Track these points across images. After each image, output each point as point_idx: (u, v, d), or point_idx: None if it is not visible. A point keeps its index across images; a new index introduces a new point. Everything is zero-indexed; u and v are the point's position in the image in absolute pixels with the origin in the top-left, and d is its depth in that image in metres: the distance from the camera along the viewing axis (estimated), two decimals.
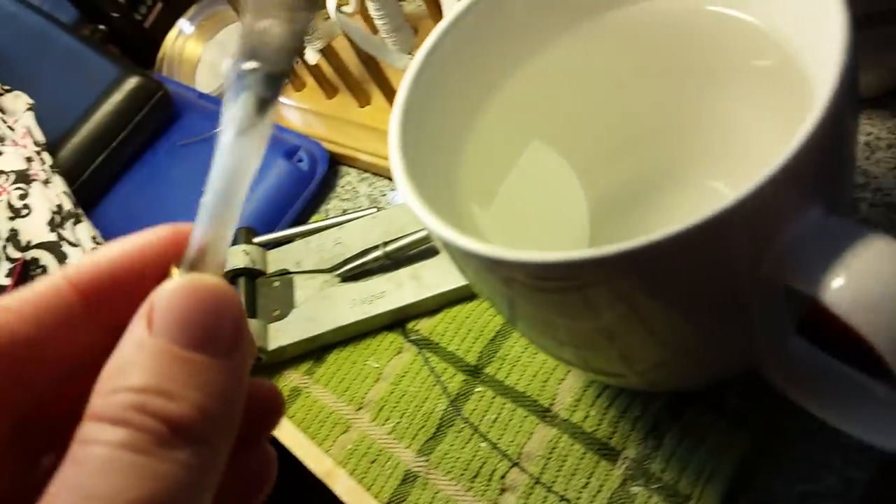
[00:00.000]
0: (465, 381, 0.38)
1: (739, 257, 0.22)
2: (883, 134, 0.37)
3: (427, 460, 0.36)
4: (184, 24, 0.66)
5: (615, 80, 0.34)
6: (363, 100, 0.54)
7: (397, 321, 0.42)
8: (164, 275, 0.17)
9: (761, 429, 0.31)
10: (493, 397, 0.37)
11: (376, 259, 0.43)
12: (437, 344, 0.40)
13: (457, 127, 0.31)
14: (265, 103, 0.18)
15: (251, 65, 0.19)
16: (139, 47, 0.69)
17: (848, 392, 0.27)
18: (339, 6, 0.44)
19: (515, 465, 0.34)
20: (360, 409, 0.40)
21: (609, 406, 0.34)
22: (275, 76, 0.19)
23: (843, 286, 0.21)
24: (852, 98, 0.22)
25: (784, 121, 0.28)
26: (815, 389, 0.28)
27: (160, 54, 0.65)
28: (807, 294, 0.21)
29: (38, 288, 0.17)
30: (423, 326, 0.42)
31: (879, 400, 0.26)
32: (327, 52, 0.51)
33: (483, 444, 0.36)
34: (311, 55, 0.50)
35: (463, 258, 0.24)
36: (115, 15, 0.68)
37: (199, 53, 0.64)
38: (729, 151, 0.32)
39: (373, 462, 0.38)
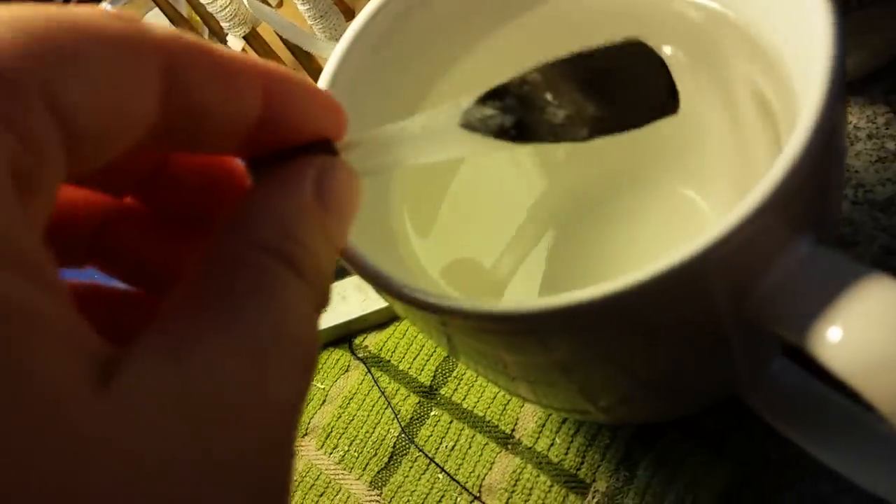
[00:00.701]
0: (418, 403, 0.35)
1: (718, 299, 0.19)
2: (862, 123, 0.34)
3: (380, 493, 0.33)
4: (106, 7, 0.61)
5: None
6: None
7: (343, 336, 0.39)
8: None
9: (742, 456, 0.29)
10: (450, 422, 0.34)
11: None
12: (388, 361, 0.37)
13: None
14: (500, 131, 0.19)
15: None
16: None
17: (840, 425, 0.24)
18: None
19: (476, 499, 0.31)
20: (305, 435, 0.37)
21: (576, 433, 0.31)
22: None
23: (840, 341, 0.17)
24: (841, 109, 0.19)
25: (760, 125, 0.25)
26: (803, 420, 0.25)
27: None
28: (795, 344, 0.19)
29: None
30: (372, 342, 0.38)
31: (879, 437, 0.23)
32: (251, 38, 0.47)
33: (441, 476, 0.33)
34: (235, 41, 0.46)
35: (387, 295, 0.21)
36: None
37: None
38: (698, 155, 0.29)
39: (321, 495, 0.34)
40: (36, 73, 0.12)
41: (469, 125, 0.19)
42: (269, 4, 0.43)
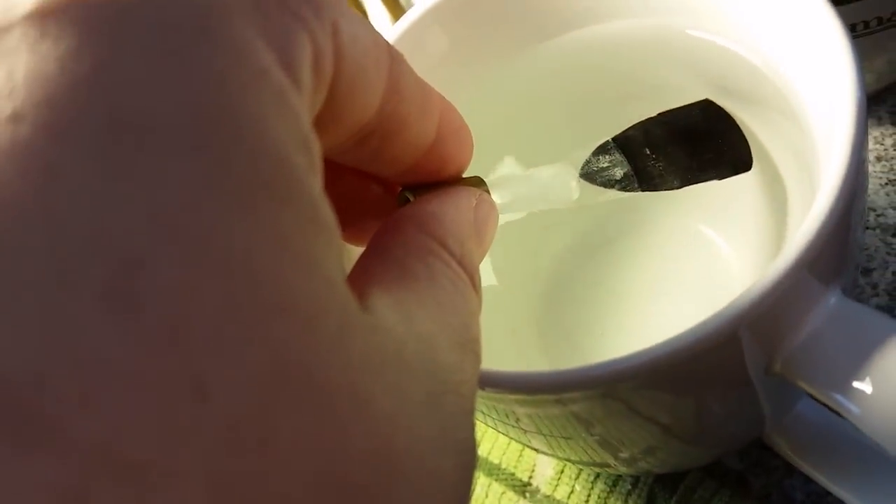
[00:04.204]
0: None
1: (749, 358, 0.19)
2: (871, 145, 0.34)
3: None
4: None
5: (583, 103, 0.30)
6: None
7: None
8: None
9: (766, 496, 0.28)
10: None
11: None
12: None
13: None
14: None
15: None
16: None
17: (864, 464, 0.24)
18: None
19: None
20: None
21: (596, 478, 0.30)
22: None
23: (869, 400, 0.17)
24: (864, 162, 0.19)
25: (781, 166, 0.25)
26: (827, 459, 0.25)
27: None
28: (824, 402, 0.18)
29: None
30: None
31: None
32: None
33: None
34: None
35: None
36: None
37: None
38: (717, 194, 0.28)
39: None
40: (328, 5, 0.12)
41: (587, 176, 0.22)
42: None
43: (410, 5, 0.50)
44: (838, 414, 0.18)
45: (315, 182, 0.11)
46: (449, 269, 0.15)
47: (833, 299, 0.19)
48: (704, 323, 0.17)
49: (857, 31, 0.28)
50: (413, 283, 0.14)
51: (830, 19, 0.20)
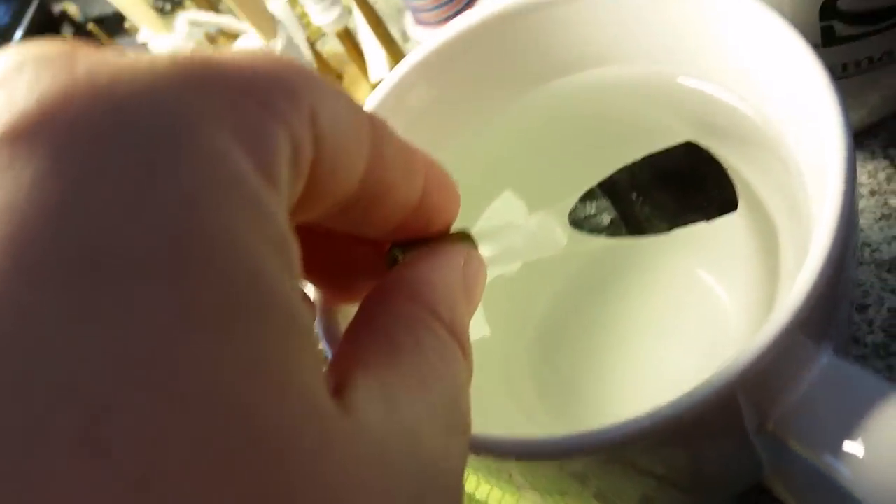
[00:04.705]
0: None
1: (743, 419, 0.19)
2: (864, 179, 0.34)
3: None
4: None
5: (571, 148, 0.29)
6: None
7: None
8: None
9: None
10: None
11: None
12: None
13: None
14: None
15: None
16: None
17: None
18: None
19: None
20: None
21: None
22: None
23: (861, 462, 0.17)
24: (855, 218, 0.19)
25: (778, 216, 0.25)
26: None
27: None
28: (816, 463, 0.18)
29: None
30: None
31: None
32: None
33: None
34: None
35: None
36: None
37: None
38: (718, 239, 0.28)
39: None
40: (307, 93, 0.12)
41: (575, 223, 0.22)
42: None
43: (409, 48, 0.50)
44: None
45: (291, 285, 0.11)
46: (438, 340, 0.15)
47: (825, 359, 0.19)
48: (699, 388, 0.17)
49: (849, 70, 0.28)
50: (400, 361, 0.14)
51: (817, 68, 0.20)
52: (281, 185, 0.11)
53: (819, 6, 0.25)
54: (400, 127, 0.25)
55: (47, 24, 0.67)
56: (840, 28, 0.26)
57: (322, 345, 0.21)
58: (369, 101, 0.25)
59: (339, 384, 0.12)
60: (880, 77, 0.29)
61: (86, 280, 0.09)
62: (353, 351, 0.14)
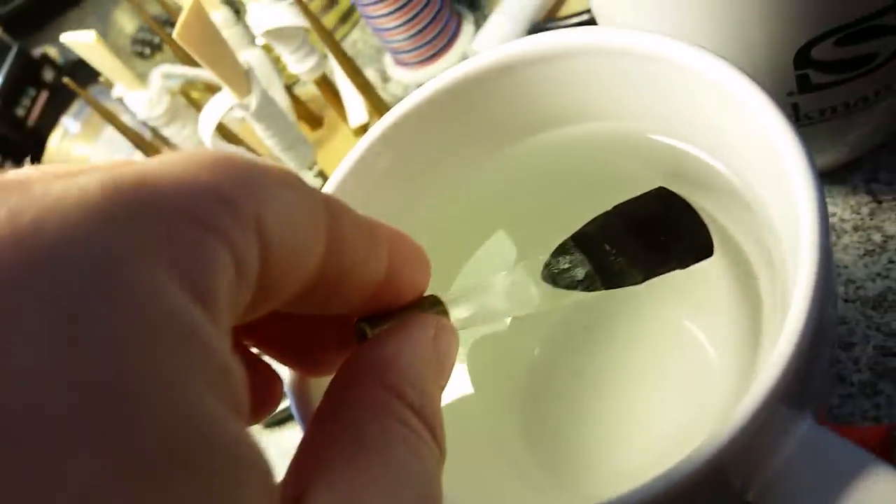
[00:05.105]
0: None
1: (720, 497, 0.19)
2: (847, 214, 0.33)
3: None
4: (68, 123, 0.59)
5: (544, 204, 0.29)
6: None
7: None
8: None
9: None
10: None
11: None
12: None
13: None
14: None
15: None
16: (24, 149, 0.62)
17: None
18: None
19: None
20: None
21: None
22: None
23: None
24: (830, 280, 0.19)
25: (760, 270, 0.24)
26: None
27: (44, 159, 0.59)
28: None
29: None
30: None
31: None
32: None
33: None
34: None
35: None
36: None
37: (89, 156, 0.58)
38: (704, 291, 0.28)
39: None
40: (250, 199, 0.12)
41: (549, 278, 0.21)
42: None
43: (390, 89, 0.50)
44: None
45: (233, 423, 0.10)
46: (407, 430, 0.15)
47: (805, 427, 0.18)
48: (678, 466, 0.17)
49: (826, 115, 0.28)
50: (366, 461, 0.14)
51: (786, 129, 0.20)
52: (222, 309, 0.11)
53: (793, 55, 0.25)
54: (368, 192, 0.25)
55: (28, 68, 0.66)
56: (815, 76, 0.26)
57: (296, 420, 0.21)
58: (334, 175, 0.25)
59: (300, 496, 0.12)
60: (859, 119, 0.29)
61: (6, 451, 0.08)
62: (316, 449, 0.14)
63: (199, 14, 0.33)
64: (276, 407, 0.18)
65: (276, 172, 0.13)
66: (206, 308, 0.11)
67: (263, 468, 0.11)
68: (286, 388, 0.20)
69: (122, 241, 0.10)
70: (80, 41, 0.40)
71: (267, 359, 0.18)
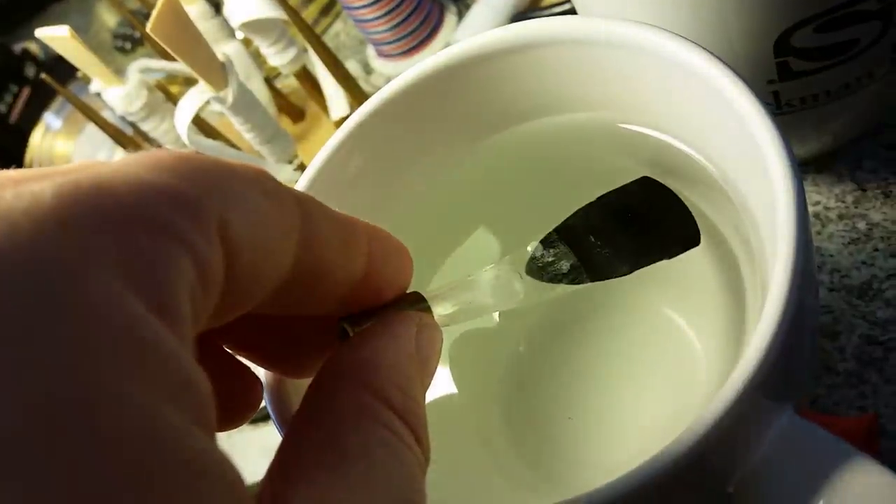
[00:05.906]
0: None
1: (700, 488, 0.19)
2: (832, 203, 0.33)
3: None
4: (50, 119, 0.59)
5: (525, 196, 0.29)
6: None
7: None
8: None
9: None
10: None
11: None
12: None
13: None
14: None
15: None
16: (7, 146, 0.62)
17: None
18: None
19: None
20: None
21: None
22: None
23: None
24: (811, 264, 0.18)
25: (741, 258, 0.24)
26: None
27: (27, 156, 0.59)
28: None
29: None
30: None
31: None
32: None
33: None
34: None
35: None
36: None
37: (71, 152, 0.57)
38: (687, 280, 0.28)
39: None
40: (212, 201, 0.12)
41: (534, 272, 0.21)
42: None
43: (372, 80, 0.49)
44: None
45: (194, 429, 0.10)
46: (388, 432, 0.14)
47: (785, 418, 0.18)
48: (657, 456, 0.17)
49: (808, 103, 0.28)
50: (347, 466, 0.13)
51: (763, 117, 0.19)
52: (182, 317, 0.11)
53: (773, 42, 0.25)
54: (343, 190, 0.25)
55: (10, 63, 0.66)
56: (795, 63, 0.26)
57: (274, 424, 0.20)
58: (307, 172, 0.24)
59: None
60: (841, 107, 0.28)
61: None
62: (296, 454, 0.14)
63: (174, 7, 0.33)
64: (256, 410, 0.18)
65: (242, 172, 0.13)
66: (164, 317, 0.10)
67: (230, 479, 0.11)
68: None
69: (74, 250, 0.10)
70: (55, 35, 0.39)
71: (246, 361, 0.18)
